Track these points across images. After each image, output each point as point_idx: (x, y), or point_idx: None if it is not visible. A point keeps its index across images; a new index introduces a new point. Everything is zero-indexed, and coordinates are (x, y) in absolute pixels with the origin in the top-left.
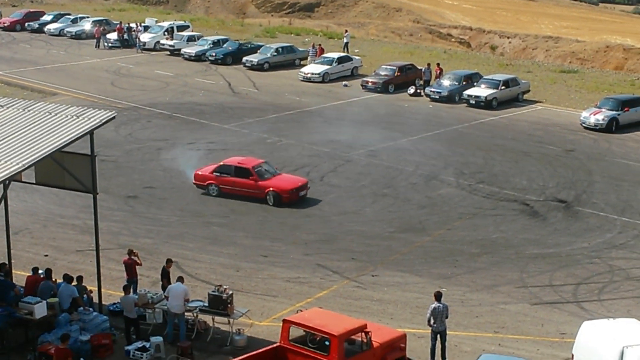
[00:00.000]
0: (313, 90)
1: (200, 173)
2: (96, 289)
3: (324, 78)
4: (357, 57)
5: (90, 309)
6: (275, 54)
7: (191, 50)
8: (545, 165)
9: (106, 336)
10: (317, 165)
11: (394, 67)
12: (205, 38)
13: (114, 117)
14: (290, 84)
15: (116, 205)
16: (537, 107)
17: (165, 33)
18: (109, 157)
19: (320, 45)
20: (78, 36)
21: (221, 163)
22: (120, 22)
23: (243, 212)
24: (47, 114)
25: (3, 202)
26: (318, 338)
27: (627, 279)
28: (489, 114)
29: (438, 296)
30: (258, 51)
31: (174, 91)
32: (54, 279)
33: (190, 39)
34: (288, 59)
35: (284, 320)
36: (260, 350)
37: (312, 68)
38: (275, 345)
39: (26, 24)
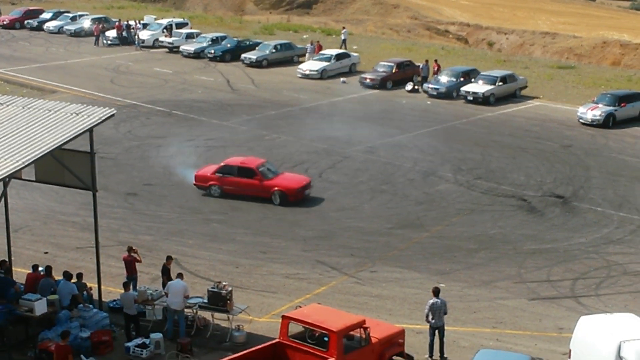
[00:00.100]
0: (311, 87)
1: (200, 174)
2: (96, 286)
3: (322, 75)
4: (355, 54)
5: (90, 305)
6: (273, 50)
7: (190, 47)
8: (543, 161)
9: (106, 333)
10: (315, 162)
11: (392, 64)
12: (203, 35)
13: (113, 115)
14: (288, 81)
15: (116, 202)
16: (534, 103)
17: (164, 30)
18: (109, 155)
19: (318, 42)
20: (77, 34)
21: (223, 163)
22: (119, 20)
23: (242, 209)
24: (46, 111)
25: (3, 199)
26: (317, 334)
27: (624, 274)
28: (486, 110)
29: (436, 292)
30: (256, 48)
31: (172, 88)
32: (54, 276)
33: (189, 36)
34: (286, 56)
35: (283, 317)
36: (260, 347)
37: (311, 65)
38: (274, 341)
39: (25, 22)
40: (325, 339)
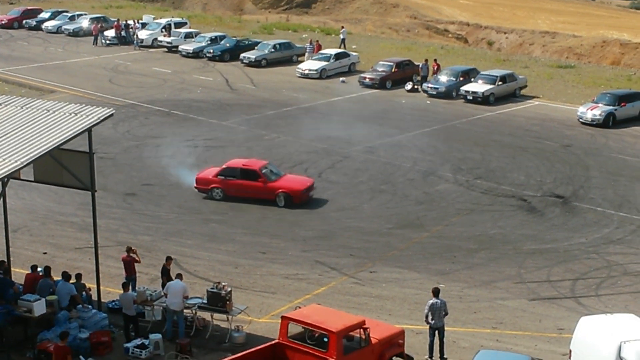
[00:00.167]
0: (310, 87)
1: (202, 177)
2: (95, 286)
3: (322, 74)
4: (354, 54)
5: (89, 306)
6: (272, 50)
7: (189, 47)
8: (543, 160)
9: (105, 333)
10: (315, 162)
11: (392, 63)
12: (202, 35)
13: (112, 115)
14: (287, 81)
15: (114, 202)
16: (534, 102)
17: (163, 30)
18: (107, 155)
19: (317, 41)
20: (76, 33)
21: (225, 166)
22: (118, 19)
23: (241, 209)
24: (45, 111)
25: (2, 199)
26: (317, 334)
27: (624, 274)
28: (486, 110)
29: (436, 292)
30: (255, 48)
31: (171, 88)
32: (52, 277)
33: (188, 35)
34: (285, 56)
35: (283, 317)
36: (259, 347)
37: (310, 64)
38: (273, 342)
39: (24, 22)
40: (325, 339)
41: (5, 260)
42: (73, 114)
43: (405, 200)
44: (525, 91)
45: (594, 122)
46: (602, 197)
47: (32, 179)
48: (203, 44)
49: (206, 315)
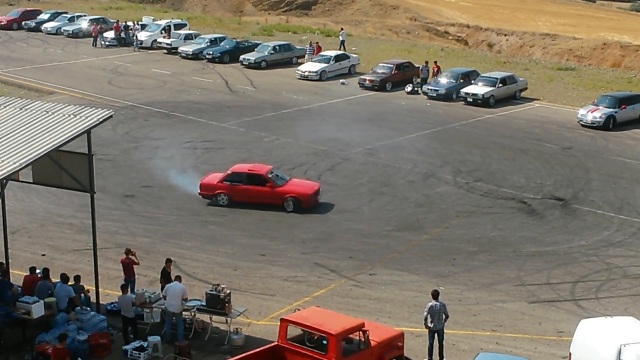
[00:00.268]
0: (310, 89)
1: (206, 182)
2: (94, 288)
3: (322, 76)
4: (354, 55)
5: (88, 308)
6: (272, 52)
7: (188, 48)
8: (543, 163)
9: (104, 336)
10: (314, 164)
11: (392, 65)
12: (202, 36)
13: (111, 116)
14: (287, 82)
15: (113, 204)
16: (534, 104)
17: (163, 31)
18: (107, 156)
19: (317, 43)
20: (75, 35)
21: (230, 171)
22: (118, 21)
23: (240, 211)
24: (44, 113)
25: (0, 201)
26: (316, 337)
27: (624, 277)
28: (486, 112)
29: (435, 294)
30: (255, 49)
31: (171, 90)
32: (51, 279)
33: (188, 37)
34: (285, 57)
35: (282, 319)
36: (258, 350)
37: (310, 66)
38: (273, 344)
39: (23, 23)
40: (324, 342)
41: (4, 262)
42: (72, 116)
43: (405, 202)
44: (526, 93)
45: (594, 125)
46: (602, 199)
47: (31, 181)
48: (203, 45)
49: (205, 317)
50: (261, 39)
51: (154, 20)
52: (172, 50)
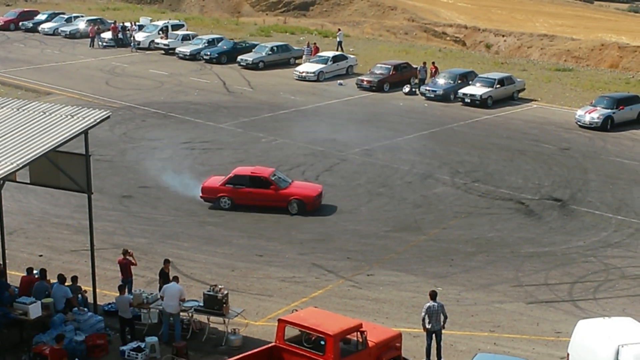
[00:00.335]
0: (308, 89)
1: (208, 186)
2: (91, 289)
3: (319, 77)
4: (352, 56)
5: (85, 309)
6: (270, 52)
7: (186, 49)
8: (541, 163)
9: (101, 336)
10: (312, 164)
11: (389, 66)
12: (199, 37)
13: (108, 117)
14: (285, 83)
15: (111, 204)
16: (532, 105)
17: (160, 32)
18: (104, 157)
19: (315, 44)
20: (72, 35)
21: (232, 174)
22: (115, 21)
23: (238, 212)
24: (41, 113)
25: None
26: (313, 338)
27: (622, 278)
28: (484, 113)
29: (433, 295)
30: (253, 50)
31: (168, 90)
32: (48, 279)
33: (185, 38)
34: (283, 58)
35: (280, 320)
36: (256, 350)
37: (307, 67)
38: (270, 345)
39: (20, 23)
40: (322, 342)
41: (1, 262)
42: (69, 116)
43: (402, 203)
44: (524, 94)
45: (592, 125)
46: (600, 200)
47: (28, 181)
48: (200, 46)
49: (203, 318)
50: (259, 39)
51: (151, 21)
52: (169, 51)
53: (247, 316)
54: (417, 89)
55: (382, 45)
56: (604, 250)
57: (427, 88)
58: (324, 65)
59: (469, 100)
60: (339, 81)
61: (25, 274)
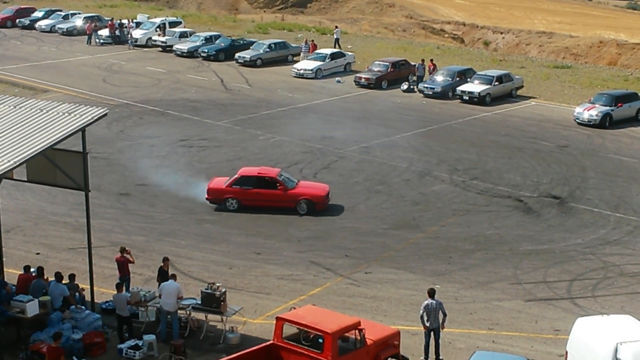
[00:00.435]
0: (306, 87)
1: (215, 187)
2: (88, 287)
3: (317, 74)
4: (350, 53)
5: (83, 307)
6: (267, 50)
7: (183, 46)
8: (539, 161)
9: (99, 334)
10: (310, 162)
11: (387, 63)
12: (197, 34)
13: (105, 114)
14: (283, 80)
15: (108, 202)
16: (530, 102)
17: (157, 29)
18: (101, 154)
19: (313, 41)
20: (69, 33)
21: (238, 175)
22: (112, 19)
23: (236, 209)
24: (38, 111)
25: None
26: (312, 335)
27: (621, 275)
28: (482, 110)
29: (431, 293)
30: (250, 47)
31: (166, 88)
32: (46, 277)
33: (183, 35)
34: (281, 55)
35: (278, 318)
36: (254, 348)
37: (305, 64)
38: (268, 342)
39: (17, 21)
40: (320, 340)
41: None
42: (66, 114)
43: (401, 200)
44: (522, 91)
45: (591, 123)
46: (599, 197)
47: (25, 179)
48: (198, 43)
49: (200, 316)
50: (256, 36)
51: (148, 18)
52: (167, 48)
53: (245, 314)
54: (415, 87)
55: (380, 43)
56: (603, 248)
57: (425, 85)
58: (321, 63)
59: (467, 98)
60: (337, 78)
61: (22, 272)
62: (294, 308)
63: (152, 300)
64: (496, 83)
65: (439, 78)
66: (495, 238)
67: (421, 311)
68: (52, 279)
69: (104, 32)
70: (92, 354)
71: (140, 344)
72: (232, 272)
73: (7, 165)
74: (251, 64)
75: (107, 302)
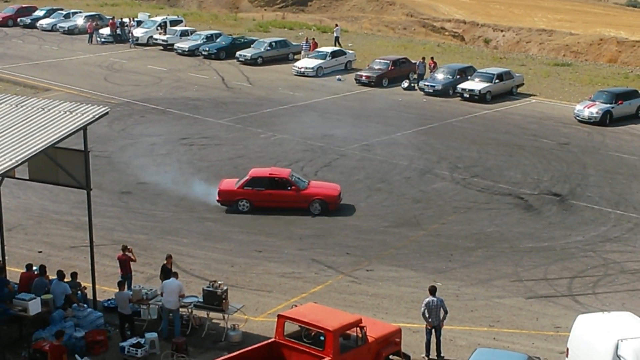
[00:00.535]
0: (307, 85)
1: (226, 189)
2: (90, 285)
3: (318, 72)
4: (350, 51)
5: (85, 305)
6: (268, 48)
7: (184, 45)
8: (540, 158)
9: (101, 332)
10: (311, 160)
11: (388, 61)
12: (198, 33)
13: (107, 113)
14: (283, 79)
15: (110, 201)
16: (531, 100)
17: (158, 28)
18: (103, 153)
19: (313, 39)
20: (71, 31)
21: (249, 177)
22: (113, 17)
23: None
24: (40, 109)
25: None
26: (313, 333)
27: (621, 272)
28: (483, 108)
29: (432, 290)
30: (251, 46)
31: (167, 86)
32: (47, 276)
33: (184, 33)
34: (281, 54)
35: (279, 316)
36: (255, 346)
37: (306, 62)
38: (270, 340)
39: (18, 20)
40: (322, 338)
41: (0, 259)
42: (68, 112)
43: (401, 198)
44: (522, 89)
45: (591, 120)
46: (599, 195)
47: (27, 178)
48: (199, 42)
49: (202, 314)
50: (257, 35)
51: (149, 16)
52: (168, 47)
53: (246, 312)
54: (415, 84)
55: (381, 41)
56: (603, 245)
57: (426, 83)
58: (322, 61)
59: (467, 96)
60: (337, 77)
61: (24, 270)
62: (296, 306)
63: (154, 298)
64: (497, 81)
65: (440, 76)
66: (495, 235)
67: (422, 308)
68: (54, 277)
69: (105, 31)
70: (94, 352)
71: (142, 342)
72: (233, 270)
73: (9, 164)
74: (252, 62)
75: (109, 300)
